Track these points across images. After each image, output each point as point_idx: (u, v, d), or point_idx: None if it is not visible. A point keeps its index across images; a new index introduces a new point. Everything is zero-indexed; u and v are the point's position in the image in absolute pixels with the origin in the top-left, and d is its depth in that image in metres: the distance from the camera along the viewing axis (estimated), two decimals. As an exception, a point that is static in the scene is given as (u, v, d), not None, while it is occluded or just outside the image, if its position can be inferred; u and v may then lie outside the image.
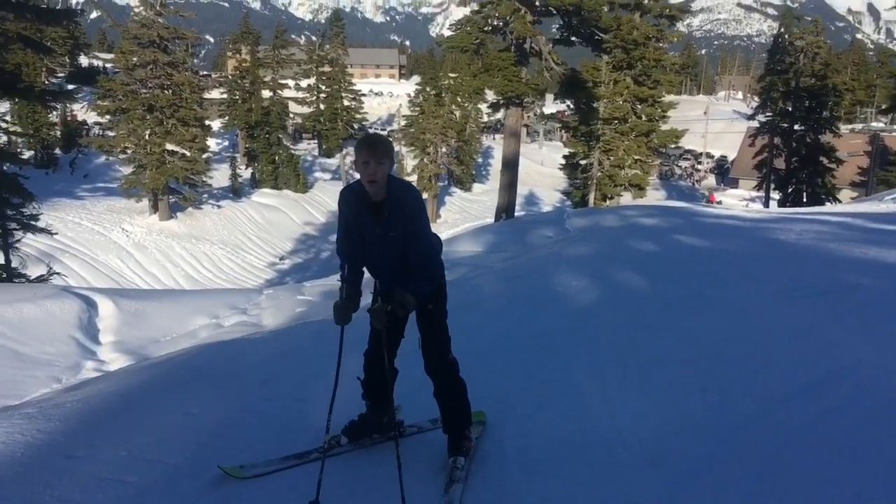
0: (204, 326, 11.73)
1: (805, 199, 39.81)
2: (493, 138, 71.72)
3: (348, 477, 3.97)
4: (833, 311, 6.31)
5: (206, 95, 47.11)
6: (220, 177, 46.76)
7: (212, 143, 48.57)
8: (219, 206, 43.87)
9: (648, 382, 5.11)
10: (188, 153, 40.30)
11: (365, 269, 4.02)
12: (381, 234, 3.73)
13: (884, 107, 58.63)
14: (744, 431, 4.16)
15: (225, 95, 59.00)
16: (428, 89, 54.37)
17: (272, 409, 4.96)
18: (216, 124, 56.14)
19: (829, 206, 28.63)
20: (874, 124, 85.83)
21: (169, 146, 39.79)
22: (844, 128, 59.40)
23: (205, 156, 41.58)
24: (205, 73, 73.40)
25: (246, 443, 4.39)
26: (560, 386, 5.25)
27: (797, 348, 5.41)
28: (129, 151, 39.50)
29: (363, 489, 3.88)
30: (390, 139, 4.17)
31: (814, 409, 4.33)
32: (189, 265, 36.05)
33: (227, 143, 63.59)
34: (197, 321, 11.96)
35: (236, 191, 47.65)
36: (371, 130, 75.70)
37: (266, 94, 57.18)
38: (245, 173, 51.89)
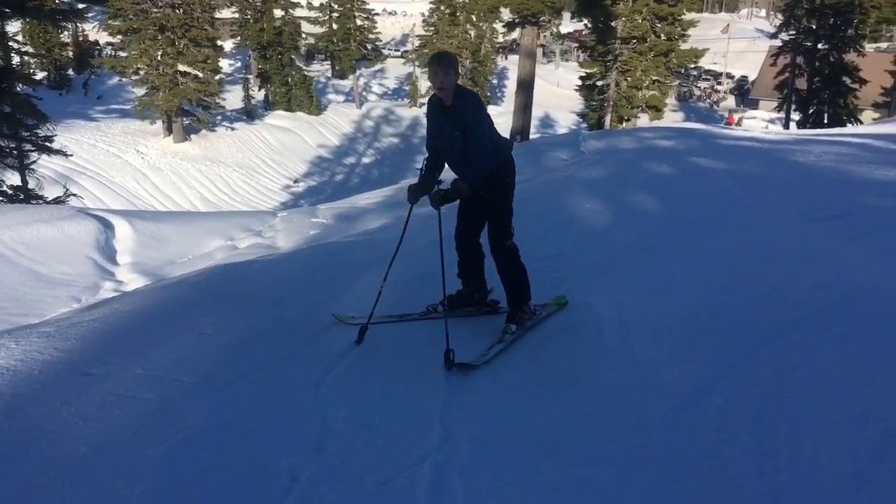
0: (219, 248, 11.80)
1: (826, 121, 39.05)
2: (507, 59, 70.30)
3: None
4: (849, 234, 6.26)
5: (218, 15, 46.26)
6: (233, 98, 46.32)
7: (224, 64, 47.92)
8: (232, 129, 43.62)
9: (661, 305, 5.11)
10: (200, 74, 39.84)
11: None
12: (450, 132, 4.49)
13: (912, 25, 56.88)
14: (754, 354, 4.17)
15: (236, 15, 57.90)
16: (442, 8, 53.09)
17: (283, 330, 5.01)
18: (228, 45, 55.25)
19: (850, 128, 28.10)
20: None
21: (181, 67, 39.31)
22: (869, 47, 57.77)
23: (217, 77, 41.10)
24: (215, -9, 71.93)
25: (257, 362, 4.46)
26: (571, 307, 5.25)
27: (812, 271, 5.39)
28: (141, 72, 39.07)
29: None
30: (455, 56, 4.92)
31: (826, 332, 4.34)
32: (204, 187, 36.09)
33: (239, 64, 62.74)
34: (212, 243, 12.02)
35: (250, 113, 47.27)
36: (385, 51, 74.56)
37: (278, 13, 56.00)
38: (258, 95, 51.34)
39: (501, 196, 4.71)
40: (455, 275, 5.01)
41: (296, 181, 40.04)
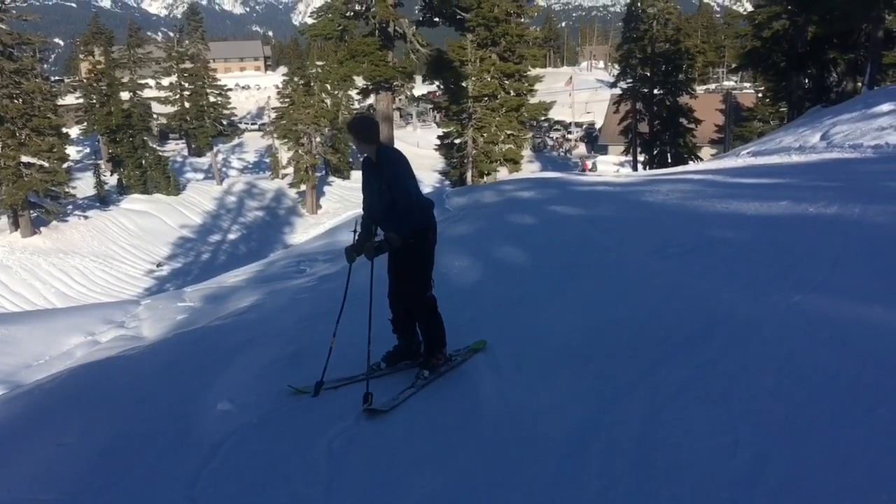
0: (80, 345, 11.18)
1: (670, 160, 41.57)
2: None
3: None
4: (702, 267, 6.63)
5: (61, 102, 44.70)
6: (84, 186, 44.62)
7: (72, 152, 46.25)
8: (86, 217, 41.85)
9: (535, 355, 5.18)
10: (46, 164, 38.23)
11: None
12: (378, 186, 4.85)
13: (733, 66, 62.02)
14: (628, 394, 4.28)
15: (81, 100, 56.21)
16: (296, 79, 53.31)
17: (152, 429, 4.73)
18: (74, 131, 53.52)
19: (691, 165, 29.99)
20: (726, 83, 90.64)
21: (24, 158, 37.62)
22: (700, 88, 62.34)
23: (65, 165, 39.62)
24: (57, 78, 69.56)
25: (126, 468, 4.17)
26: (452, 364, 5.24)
27: (672, 306, 5.64)
28: (-21, 168, 37.09)
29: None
30: (369, 118, 5.28)
31: (691, 364, 4.52)
32: (59, 281, 34.21)
33: (88, 150, 60.58)
34: (72, 340, 11.39)
35: (103, 199, 45.54)
36: (242, 125, 73.96)
37: (125, 95, 54.77)
38: (111, 180, 49.63)
39: (426, 250, 5.05)
40: (390, 332, 5.26)
41: (159, 265, 38.69)
